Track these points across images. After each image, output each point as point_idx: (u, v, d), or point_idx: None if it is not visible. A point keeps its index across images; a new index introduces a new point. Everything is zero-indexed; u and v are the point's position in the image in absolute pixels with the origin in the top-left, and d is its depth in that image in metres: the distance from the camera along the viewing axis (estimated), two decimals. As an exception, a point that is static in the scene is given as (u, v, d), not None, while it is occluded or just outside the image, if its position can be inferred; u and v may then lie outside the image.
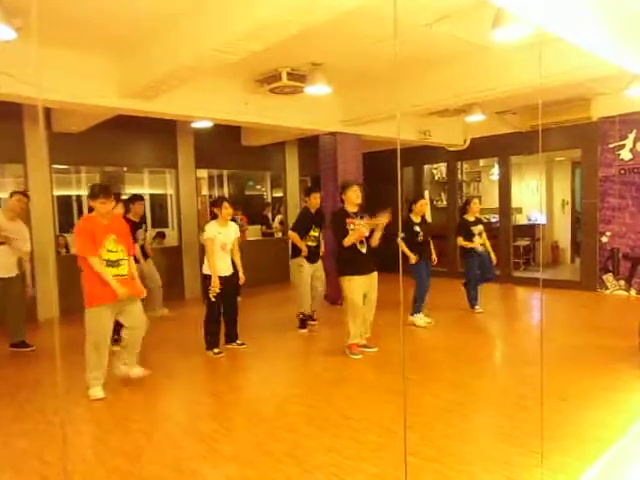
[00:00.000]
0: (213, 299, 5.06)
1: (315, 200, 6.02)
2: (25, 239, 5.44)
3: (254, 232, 10.54)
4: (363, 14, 4.06)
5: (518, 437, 3.19)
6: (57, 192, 8.01)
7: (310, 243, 5.97)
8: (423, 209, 6.30)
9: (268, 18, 3.47)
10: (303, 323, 6.11)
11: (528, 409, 3.53)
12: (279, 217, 11.20)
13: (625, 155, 7.70)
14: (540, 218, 10.72)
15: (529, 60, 4.89)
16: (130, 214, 6.04)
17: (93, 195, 4.07)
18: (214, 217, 5.29)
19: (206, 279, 5.08)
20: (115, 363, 4.29)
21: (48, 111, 7.11)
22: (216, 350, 5.14)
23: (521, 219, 10.87)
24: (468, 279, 6.86)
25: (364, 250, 4.97)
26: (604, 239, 8.00)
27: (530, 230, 10.55)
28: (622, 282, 7.87)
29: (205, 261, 5.13)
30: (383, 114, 6.74)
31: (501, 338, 6.13)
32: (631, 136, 7.61)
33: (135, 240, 5.72)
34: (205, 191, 10.59)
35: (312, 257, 6.00)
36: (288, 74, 5.67)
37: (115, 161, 8.48)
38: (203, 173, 10.15)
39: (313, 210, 6.04)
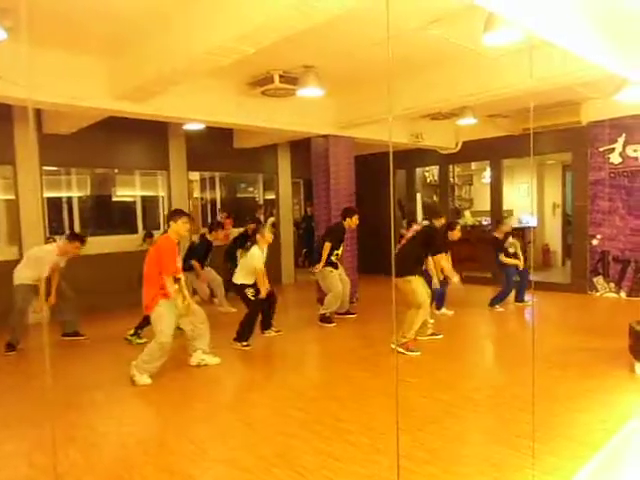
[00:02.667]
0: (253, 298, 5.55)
1: (355, 221, 6.59)
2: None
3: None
4: (355, 17, 4.07)
5: (510, 439, 3.19)
6: (47, 194, 7.94)
7: (333, 258, 6.53)
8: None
9: (260, 21, 3.47)
10: (329, 319, 6.49)
11: (520, 410, 3.54)
12: (271, 219, 11.17)
13: (615, 159, 7.77)
14: (531, 221, 10.78)
15: (520, 64, 4.94)
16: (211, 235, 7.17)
17: (175, 215, 4.64)
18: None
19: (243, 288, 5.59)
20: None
21: (39, 112, 7.06)
22: (244, 343, 5.48)
23: (512, 222, 10.92)
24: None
25: None
26: (594, 242, 8.06)
27: (521, 233, 10.60)
28: (612, 284, 7.93)
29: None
30: (375, 117, 6.76)
31: (493, 340, 6.15)
32: (620, 140, 7.68)
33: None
34: (197, 193, 10.54)
35: (335, 265, 6.62)
36: (280, 76, 5.67)
37: (106, 163, 8.43)
38: (195, 175, 10.11)
39: (347, 229, 6.66)
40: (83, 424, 3.70)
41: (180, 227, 4.57)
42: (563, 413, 3.58)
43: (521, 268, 7.17)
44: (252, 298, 5.53)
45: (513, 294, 7.31)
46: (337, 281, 6.51)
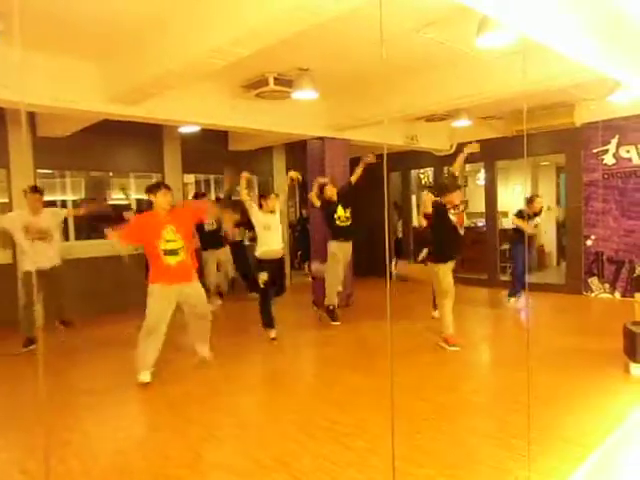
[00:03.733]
0: (263, 285, 5.59)
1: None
2: (55, 226, 5.73)
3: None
4: (350, 19, 4.08)
5: (506, 440, 3.20)
6: (41, 197, 7.90)
7: (337, 222, 6.47)
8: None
9: (256, 24, 3.47)
10: (332, 313, 6.54)
11: (516, 412, 3.54)
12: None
13: (608, 160, 7.81)
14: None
15: (513, 66, 4.96)
16: None
17: (151, 189, 4.47)
18: None
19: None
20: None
21: (33, 115, 7.03)
22: (272, 334, 5.65)
23: (507, 223, 10.94)
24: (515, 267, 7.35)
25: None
26: (589, 243, 8.10)
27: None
28: (607, 285, 7.96)
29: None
30: (370, 119, 6.77)
31: (488, 341, 6.15)
32: (614, 141, 7.72)
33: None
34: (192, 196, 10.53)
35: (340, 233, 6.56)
36: (275, 79, 5.66)
37: (101, 166, 8.40)
38: (190, 178, 10.09)
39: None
40: (78, 428, 3.68)
41: (161, 200, 4.47)
42: (559, 414, 3.59)
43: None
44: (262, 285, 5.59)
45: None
46: (333, 261, 6.45)
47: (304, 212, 11.29)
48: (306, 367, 5.44)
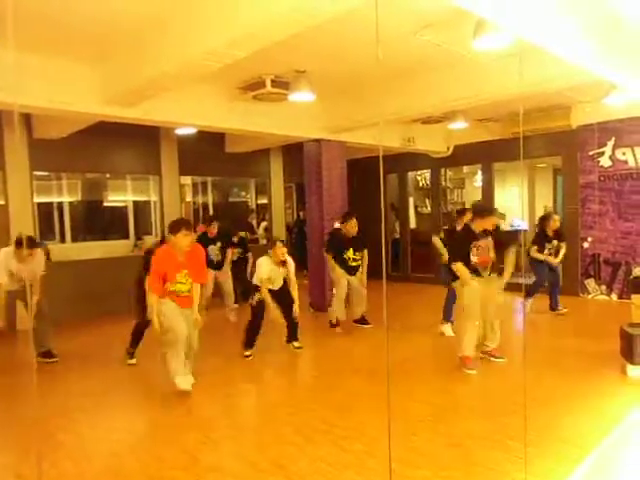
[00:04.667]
0: (255, 303, 5.34)
1: (352, 225, 6.40)
2: (38, 272, 5.28)
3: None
4: (346, 21, 4.08)
5: (502, 442, 3.19)
6: (38, 199, 7.88)
7: (351, 263, 6.42)
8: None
9: (252, 26, 3.46)
10: (333, 324, 6.50)
11: (513, 414, 3.53)
12: (264, 224, 11.16)
13: (605, 162, 7.83)
14: (522, 224, 10.83)
15: (510, 68, 4.96)
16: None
17: (172, 228, 4.24)
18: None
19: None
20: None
21: (29, 117, 7.02)
22: (248, 352, 5.33)
23: (504, 225, 10.97)
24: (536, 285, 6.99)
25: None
26: (586, 245, 8.11)
27: (513, 236, 10.63)
28: (603, 287, 7.98)
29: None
30: (367, 121, 6.77)
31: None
32: (610, 143, 7.74)
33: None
34: (189, 198, 10.52)
35: (350, 270, 6.46)
36: (272, 81, 5.66)
37: (97, 167, 8.39)
38: (187, 180, 10.09)
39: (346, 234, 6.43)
40: (72, 430, 3.66)
41: (181, 241, 4.22)
42: (556, 416, 3.59)
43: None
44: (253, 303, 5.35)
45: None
46: (340, 286, 6.39)
47: (301, 214, 11.29)
48: (302, 369, 5.43)
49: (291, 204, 12.26)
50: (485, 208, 5.46)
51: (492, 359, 4.88)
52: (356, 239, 6.43)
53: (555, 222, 6.87)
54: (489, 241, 4.69)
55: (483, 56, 5.05)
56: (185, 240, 4.20)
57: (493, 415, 3.68)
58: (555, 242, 6.85)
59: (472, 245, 4.69)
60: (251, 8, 3.40)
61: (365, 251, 6.48)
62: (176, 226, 4.25)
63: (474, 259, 4.69)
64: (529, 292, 7.00)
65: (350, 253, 6.42)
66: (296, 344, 5.61)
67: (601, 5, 4.01)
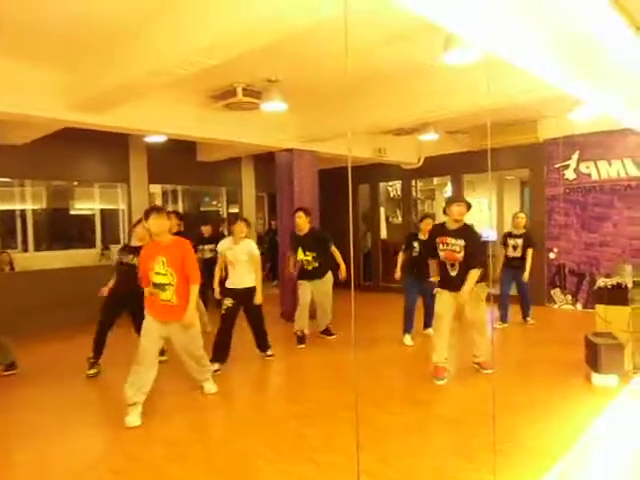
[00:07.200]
0: (224, 312, 5.21)
1: (296, 221, 6.01)
2: None
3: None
4: (318, 32, 4.08)
5: (472, 452, 3.20)
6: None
7: (307, 267, 6.00)
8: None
9: (224, 34, 3.44)
10: (299, 339, 6.16)
11: (482, 424, 3.55)
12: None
13: (569, 175, 8.05)
14: (491, 235, 11.01)
15: (478, 82, 5.06)
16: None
17: (145, 215, 4.05)
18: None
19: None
20: None
21: (-9, 122, 6.80)
22: (216, 367, 4.94)
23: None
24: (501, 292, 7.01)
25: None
26: (552, 255, 8.30)
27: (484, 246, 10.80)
28: (569, 297, 8.16)
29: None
30: (337, 132, 6.80)
31: (454, 352, 6.18)
32: (575, 157, 7.97)
33: None
34: (159, 206, 10.36)
35: (307, 274, 6.06)
36: (243, 90, 5.63)
37: (64, 175, 8.19)
38: (157, 188, 9.94)
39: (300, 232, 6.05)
40: (29, 450, 3.50)
41: (152, 224, 3.98)
42: (523, 424, 3.62)
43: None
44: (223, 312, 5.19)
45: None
46: (303, 293, 6.04)
47: (273, 224, 11.24)
48: (273, 382, 5.35)
49: (263, 214, 12.20)
50: (449, 198, 5.46)
51: (483, 371, 4.86)
52: (307, 237, 5.94)
53: (519, 219, 6.96)
54: (460, 242, 4.69)
55: (451, 69, 5.14)
56: (154, 224, 3.98)
57: (462, 425, 3.70)
58: (519, 241, 6.89)
59: (438, 240, 4.77)
60: (223, 16, 3.38)
61: (333, 248, 5.97)
62: (147, 212, 4.07)
63: (441, 254, 4.75)
64: (499, 304, 7.07)
65: (300, 254, 5.94)
66: (268, 352, 5.56)
67: (568, 22, 4.12)
